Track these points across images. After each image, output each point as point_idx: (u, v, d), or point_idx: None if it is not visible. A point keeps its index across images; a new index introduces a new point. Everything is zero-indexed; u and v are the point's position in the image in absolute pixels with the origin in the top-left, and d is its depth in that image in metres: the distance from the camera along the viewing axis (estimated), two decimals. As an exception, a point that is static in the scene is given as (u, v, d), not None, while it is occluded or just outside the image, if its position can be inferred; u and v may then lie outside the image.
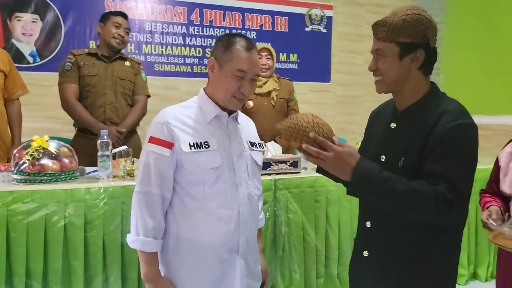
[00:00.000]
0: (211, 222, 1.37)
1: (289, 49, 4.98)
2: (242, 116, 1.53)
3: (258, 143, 1.52)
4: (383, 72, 1.27)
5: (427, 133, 1.20)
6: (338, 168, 1.16)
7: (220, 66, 1.38)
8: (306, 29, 5.07)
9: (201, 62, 4.66)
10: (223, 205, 1.38)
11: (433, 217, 1.15)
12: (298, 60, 5.04)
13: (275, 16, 4.91)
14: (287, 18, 4.96)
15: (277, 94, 2.89)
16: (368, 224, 1.32)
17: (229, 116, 1.45)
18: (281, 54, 4.96)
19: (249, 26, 4.80)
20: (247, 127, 1.54)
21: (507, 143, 1.62)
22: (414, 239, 1.23)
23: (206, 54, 4.64)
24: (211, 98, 1.43)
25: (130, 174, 2.11)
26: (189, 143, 1.36)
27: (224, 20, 4.70)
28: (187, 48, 4.60)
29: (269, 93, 2.90)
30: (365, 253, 1.32)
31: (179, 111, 1.43)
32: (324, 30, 5.15)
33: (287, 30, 4.97)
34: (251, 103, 2.84)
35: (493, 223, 1.35)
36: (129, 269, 1.96)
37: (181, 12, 4.52)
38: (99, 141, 2.02)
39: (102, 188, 1.92)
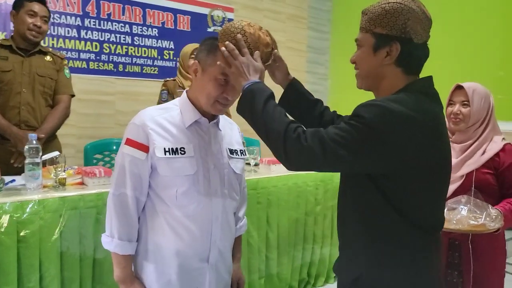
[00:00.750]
0: (180, 230, 1.32)
1: (192, 49, 4.91)
2: (225, 122, 1.48)
3: (240, 150, 1.48)
4: (359, 65, 1.19)
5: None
6: (239, 75, 1.20)
7: (203, 69, 1.31)
8: (209, 29, 5.05)
9: (98, 58, 4.31)
10: (195, 214, 1.33)
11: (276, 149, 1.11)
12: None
13: (178, 14, 4.79)
14: (190, 17, 4.89)
15: None
16: None
17: (209, 121, 1.39)
18: (183, 53, 4.86)
19: (150, 22, 4.60)
20: (229, 133, 1.48)
21: None
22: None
23: (104, 50, 4.32)
24: (193, 102, 1.37)
25: (63, 184, 1.87)
26: (164, 148, 1.30)
27: (123, 14, 4.42)
28: (82, 42, 4.21)
29: None
30: None
31: (158, 113, 1.36)
32: (226, 32, 5.19)
33: (189, 30, 4.90)
34: None
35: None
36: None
37: (75, 2, 4.13)
38: (27, 146, 1.74)
39: (37, 201, 1.67)
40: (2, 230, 1.57)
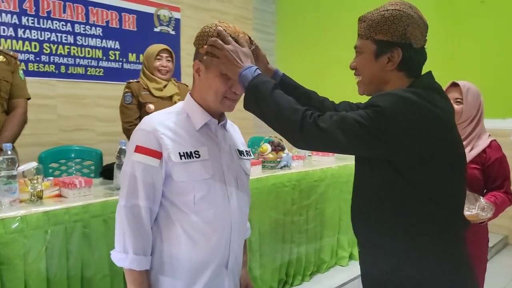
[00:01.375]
0: (199, 237, 1.26)
1: (138, 49, 4.73)
2: (228, 123, 1.45)
3: (246, 151, 1.46)
4: (361, 72, 1.22)
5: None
6: (230, 63, 1.19)
7: (207, 67, 1.26)
8: (155, 29, 4.90)
9: (37, 59, 4.01)
10: (214, 219, 1.29)
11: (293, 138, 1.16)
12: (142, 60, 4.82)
13: (123, 13, 4.59)
14: (136, 16, 4.70)
15: (179, 98, 2.75)
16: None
17: (218, 123, 1.35)
18: (130, 54, 4.68)
19: (94, 21, 4.36)
20: (234, 134, 1.45)
21: None
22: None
23: (44, 50, 4.02)
24: (199, 103, 1.30)
25: (40, 197, 1.71)
26: (179, 153, 1.23)
27: (64, 12, 4.15)
28: (20, 42, 3.88)
29: (171, 97, 2.75)
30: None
31: (166, 117, 1.29)
32: (173, 32, 5.07)
33: (135, 29, 4.71)
34: (152, 106, 2.64)
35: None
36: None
37: (11, -2, 3.79)
38: (1, 157, 1.57)
39: (20, 217, 1.51)
40: (-18, 253, 1.40)
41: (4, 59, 2.17)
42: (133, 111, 2.67)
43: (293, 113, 1.11)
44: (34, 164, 1.68)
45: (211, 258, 1.28)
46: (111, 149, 3.10)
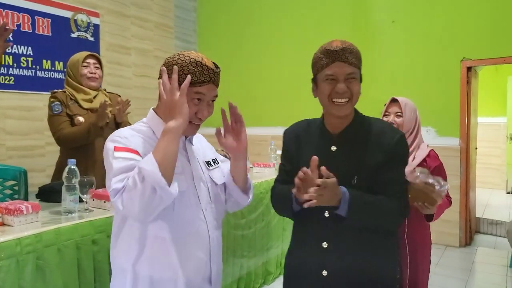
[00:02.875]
0: (183, 252, 1.26)
1: (53, 56, 4.40)
2: (195, 136, 1.42)
3: (212, 160, 1.44)
4: (354, 94, 1.35)
5: (378, 151, 1.37)
6: (332, 197, 1.26)
7: None
8: (72, 35, 4.59)
9: None
10: (195, 233, 1.29)
11: (398, 222, 1.46)
12: (65, 69, 4.47)
13: (36, 17, 4.23)
14: (50, 20, 4.36)
15: (111, 110, 2.56)
16: (324, 244, 1.38)
17: (185, 138, 1.34)
18: (44, 61, 4.31)
19: (3, 24, 3.93)
20: (200, 146, 1.44)
21: None
22: (367, 254, 1.37)
23: None
24: (165, 120, 1.25)
25: None
26: None
27: (-32, 13, 3.69)
28: None
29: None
30: (324, 273, 1.36)
31: (133, 133, 1.28)
32: (92, 39, 4.79)
33: (50, 34, 4.37)
34: (81, 119, 2.44)
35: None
36: None
37: None
38: None
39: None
40: None
41: None
42: (64, 119, 2.45)
43: (387, 205, 1.37)
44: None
45: (194, 274, 1.27)
46: (24, 164, 2.80)
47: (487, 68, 5.73)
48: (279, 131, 5.73)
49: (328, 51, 1.38)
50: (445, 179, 2.00)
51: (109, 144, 1.22)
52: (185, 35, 6.15)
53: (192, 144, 1.38)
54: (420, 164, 1.96)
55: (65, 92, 2.50)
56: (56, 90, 2.53)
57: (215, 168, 1.42)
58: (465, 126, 4.60)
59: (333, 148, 1.42)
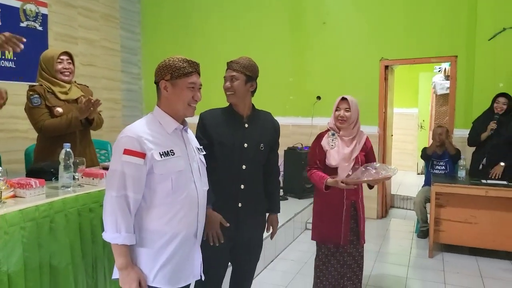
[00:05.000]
0: (176, 214, 1.69)
1: (4, 45, 4.46)
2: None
3: (200, 148, 1.92)
4: (236, 90, 2.11)
5: (271, 130, 2.25)
6: None
7: (173, 85, 1.71)
8: (22, 24, 4.70)
9: None
10: (186, 199, 1.72)
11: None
12: (15, 58, 4.61)
13: (-14, 6, 4.28)
14: (0, 10, 4.42)
15: (81, 99, 2.86)
16: (242, 186, 2.16)
17: (183, 128, 1.79)
18: (-5, 49, 4.38)
19: (-49, 12, 3.99)
20: (192, 136, 1.90)
21: (321, 135, 2.68)
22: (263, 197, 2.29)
23: None
24: (167, 113, 1.74)
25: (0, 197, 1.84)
26: (159, 153, 1.66)
27: None
28: None
29: (76, 99, 2.85)
30: (240, 204, 2.15)
31: (145, 126, 1.69)
32: (40, 28, 4.91)
33: (0, 24, 4.43)
34: (60, 109, 2.72)
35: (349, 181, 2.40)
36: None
37: None
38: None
39: (0, 217, 1.65)
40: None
41: None
42: (44, 110, 2.69)
43: None
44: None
45: (183, 230, 1.72)
46: None
47: (402, 66, 6.60)
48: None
49: (227, 63, 2.17)
50: (374, 157, 2.69)
51: (122, 142, 1.61)
52: (130, 25, 6.36)
53: (187, 133, 1.83)
54: (363, 147, 2.63)
55: (41, 85, 2.74)
56: (33, 84, 2.76)
57: (202, 154, 1.90)
58: (382, 116, 5.39)
59: (246, 125, 2.16)
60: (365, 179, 2.37)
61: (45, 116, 2.68)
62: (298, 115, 5.66)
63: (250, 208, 2.19)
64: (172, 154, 1.68)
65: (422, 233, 4.66)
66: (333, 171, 2.56)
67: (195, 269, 1.80)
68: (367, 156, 2.66)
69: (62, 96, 2.78)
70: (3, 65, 4.49)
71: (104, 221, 1.60)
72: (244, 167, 2.14)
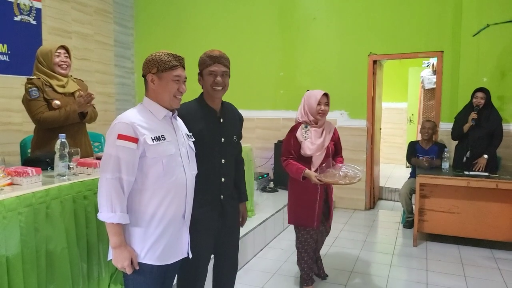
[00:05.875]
0: (165, 196, 1.81)
1: (-2, 39, 4.54)
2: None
3: (189, 135, 2.04)
4: (226, 85, 2.17)
5: (238, 122, 2.35)
6: None
7: (159, 78, 1.82)
8: (15, 18, 4.76)
9: None
10: (175, 182, 1.84)
11: None
12: (9, 52, 4.68)
13: (-21, -1, 4.34)
14: (-6, 4, 4.49)
15: (80, 94, 2.96)
16: (223, 161, 2.23)
17: (172, 115, 1.90)
18: (-11, 43, 4.46)
19: None
20: (181, 123, 2.01)
21: (295, 127, 2.86)
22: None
23: None
24: (156, 102, 1.85)
25: (-4, 185, 1.94)
26: (151, 137, 1.78)
27: None
28: None
29: (73, 93, 2.94)
30: (222, 196, 2.24)
31: (137, 114, 1.82)
32: (34, 22, 4.98)
33: (-6, 17, 4.50)
34: (58, 102, 2.81)
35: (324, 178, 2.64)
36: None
37: None
38: (-30, 151, 1.77)
39: (-1, 202, 1.76)
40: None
41: None
42: (42, 103, 2.78)
43: None
44: (-3, 156, 1.90)
45: (173, 212, 1.85)
46: None
47: (392, 61, 6.74)
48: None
49: (211, 57, 2.15)
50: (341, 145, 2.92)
51: (116, 128, 1.72)
52: (123, 20, 6.43)
53: (177, 120, 1.95)
54: (333, 136, 2.88)
55: (39, 78, 2.82)
56: (31, 77, 2.84)
57: (192, 140, 2.01)
58: (371, 110, 5.51)
59: (221, 119, 2.22)
60: (337, 179, 2.62)
61: (43, 109, 2.77)
62: (288, 109, 5.77)
63: (229, 198, 2.31)
64: (163, 139, 1.80)
65: (408, 223, 4.81)
66: (307, 160, 2.82)
67: (183, 247, 1.93)
68: (336, 145, 2.95)
69: (60, 89, 2.87)
70: (-2, 58, 4.55)
71: (99, 203, 1.71)
72: (223, 161, 2.22)
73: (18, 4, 4.76)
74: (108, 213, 1.68)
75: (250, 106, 5.85)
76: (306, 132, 2.82)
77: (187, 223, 1.95)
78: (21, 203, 1.85)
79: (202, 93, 2.25)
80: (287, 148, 2.87)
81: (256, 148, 5.85)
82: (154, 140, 1.76)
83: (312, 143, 2.80)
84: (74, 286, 2.11)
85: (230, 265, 2.45)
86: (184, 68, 1.87)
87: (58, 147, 2.22)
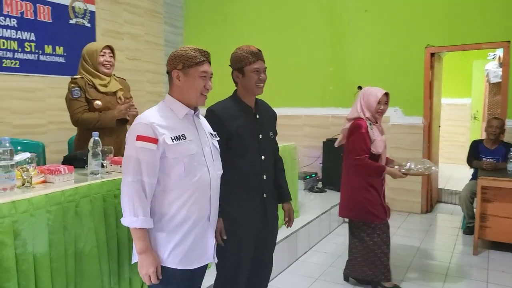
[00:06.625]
0: (189, 198, 1.72)
1: (54, 42, 4.76)
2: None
3: (214, 134, 1.94)
4: (265, 81, 2.11)
5: (273, 118, 2.29)
6: None
7: (185, 74, 1.73)
8: (71, 21, 4.95)
9: None
10: (198, 183, 1.74)
11: None
12: (65, 54, 4.87)
13: (37, 4, 4.58)
14: (50, 8, 4.71)
15: (123, 93, 2.99)
16: (263, 157, 2.15)
17: (194, 113, 1.81)
18: (46, 46, 4.68)
19: (8, 12, 4.30)
20: (204, 122, 1.92)
21: (361, 125, 2.80)
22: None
23: (-45, 41, 3.88)
24: (178, 100, 1.77)
25: (30, 183, 1.96)
26: (171, 137, 1.69)
27: (-24, 2, 4.03)
28: None
29: (115, 92, 2.96)
30: (264, 195, 2.16)
31: (156, 113, 1.74)
32: (88, 25, 5.15)
33: (51, 21, 4.72)
34: (99, 102, 2.84)
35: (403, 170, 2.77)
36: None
37: None
38: (1, 149, 1.79)
39: (27, 200, 1.77)
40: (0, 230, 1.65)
41: None
42: (82, 103, 2.83)
43: None
44: (28, 154, 1.92)
45: (196, 214, 1.75)
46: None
47: (454, 53, 6.27)
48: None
49: (253, 53, 2.07)
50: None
51: (135, 129, 1.66)
52: (173, 20, 6.51)
53: (200, 119, 1.86)
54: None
55: (83, 78, 2.87)
56: (75, 76, 2.89)
57: (215, 139, 1.92)
58: (428, 106, 5.15)
59: (257, 116, 2.15)
60: (422, 171, 2.80)
61: (83, 109, 2.82)
62: (338, 106, 5.54)
63: (272, 197, 2.23)
64: (184, 138, 1.71)
65: (469, 229, 4.42)
66: (375, 158, 2.79)
67: (209, 251, 1.83)
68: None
69: (102, 89, 2.90)
70: (55, 60, 4.76)
71: (122, 206, 1.66)
72: (263, 157, 2.16)
73: (73, 8, 4.95)
74: (131, 217, 1.62)
75: (297, 103, 5.70)
76: (371, 130, 2.79)
77: (213, 225, 1.86)
78: (49, 201, 1.85)
79: (235, 91, 2.18)
80: (362, 147, 2.77)
81: (304, 147, 5.68)
82: (174, 140, 1.68)
83: (380, 140, 2.80)
84: (104, 285, 2.10)
85: (264, 268, 2.34)
86: (210, 63, 1.79)
87: (91, 145, 2.22)
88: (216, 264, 2.19)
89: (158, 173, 1.67)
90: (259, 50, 2.12)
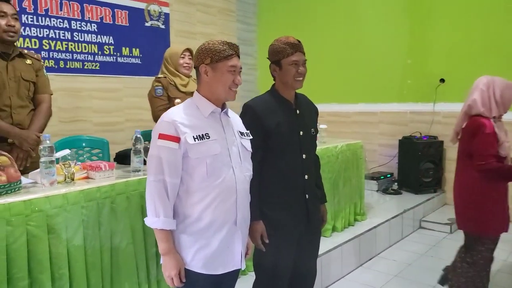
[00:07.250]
0: (212, 201, 1.62)
1: (131, 44, 5.01)
2: (230, 111, 1.80)
3: (246, 133, 1.83)
4: (305, 75, 1.99)
5: (314, 114, 2.15)
6: None
7: (213, 68, 1.64)
8: (146, 24, 5.17)
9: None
10: (223, 185, 1.64)
11: None
12: (141, 55, 5.10)
13: (115, 9, 4.84)
14: (127, 12, 4.96)
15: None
16: (303, 156, 2.02)
17: (221, 111, 1.71)
18: (123, 48, 4.94)
19: (89, 18, 4.61)
20: (235, 120, 1.83)
21: (485, 124, 2.35)
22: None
23: (44, 47, 4.26)
24: (206, 97, 1.69)
25: (72, 178, 2.04)
26: (193, 136, 1.60)
27: (61, 10, 4.39)
28: (20, 39, 4.12)
29: (192, 93, 3.04)
30: (307, 196, 2.03)
31: (181, 111, 1.67)
32: (163, 26, 5.34)
33: (127, 24, 4.97)
34: (179, 100, 2.93)
35: None
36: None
37: (9, -2, 4.01)
38: (41, 146, 1.88)
39: (61, 195, 1.84)
40: (34, 223, 1.73)
41: (31, 62, 2.46)
42: (164, 101, 2.99)
43: None
44: (68, 151, 2.00)
45: (221, 217, 1.65)
46: (107, 137, 3.41)
47: None
48: (334, 107, 5.89)
49: (291, 44, 1.95)
50: None
51: (158, 127, 1.62)
52: (246, 17, 6.52)
53: (228, 116, 1.77)
54: None
55: (166, 77, 3.04)
56: (159, 76, 3.09)
57: (246, 139, 1.80)
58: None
59: (297, 111, 2.02)
60: None
61: (164, 107, 2.96)
62: (417, 101, 5.08)
63: (314, 198, 2.09)
64: (207, 137, 1.63)
65: None
66: (501, 161, 2.38)
67: (236, 257, 1.72)
68: None
69: (182, 88, 3.05)
70: (131, 61, 5.03)
71: (146, 206, 1.64)
72: (304, 156, 2.01)
73: (148, 11, 5.17)
74: (152, 217, 1.58)
75: (372, 99, 5.34)
76: (497, 130, 2.38)
77: (242, 230, 1.74)
78: (84, 197, 1.91)
79: (273, 85, 2.06)
80: (490, 151, 2.32)
81: (379, 145, 5.32)
82: (196, 139, 1.60)
83: (505, 141, 2.37)
84: (140, 282, 2.12)
85: (307, 275, 2.19)
86: (239, 57, 1.69)
87: (133, 142, 2.26)
88: (255, 270, 2.10)
89: (181, 173, 1.62)
90: (299, 41, 1.98)
